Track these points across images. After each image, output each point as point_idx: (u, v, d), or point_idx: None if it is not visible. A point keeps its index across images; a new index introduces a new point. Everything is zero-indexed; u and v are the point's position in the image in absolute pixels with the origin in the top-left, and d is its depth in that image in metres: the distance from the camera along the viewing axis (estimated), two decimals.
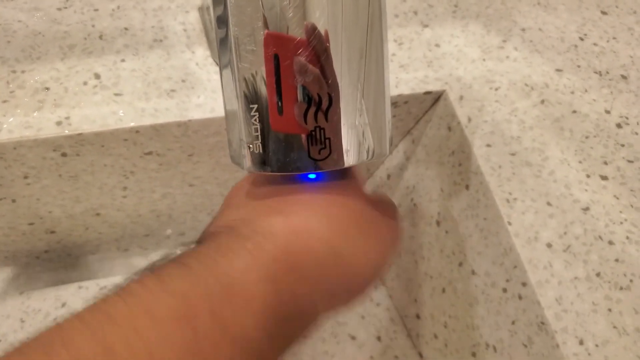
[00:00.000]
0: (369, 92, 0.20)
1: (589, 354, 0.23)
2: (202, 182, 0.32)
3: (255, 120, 0.19)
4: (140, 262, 0.39)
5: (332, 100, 0.19)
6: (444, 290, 0.30)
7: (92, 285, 0.34)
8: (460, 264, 0.29)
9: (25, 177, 0.28)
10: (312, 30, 0.18)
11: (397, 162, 0.34)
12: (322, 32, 0.18)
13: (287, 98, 0.19)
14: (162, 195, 0.33)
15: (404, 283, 0.34)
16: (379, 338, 0.33)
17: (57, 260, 0.37)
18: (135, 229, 0.36)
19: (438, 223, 0.30)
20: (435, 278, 0.31)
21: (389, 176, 0.35)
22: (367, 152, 0.20)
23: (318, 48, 0.18)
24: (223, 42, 0.19)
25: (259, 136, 0.19)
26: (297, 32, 0.18)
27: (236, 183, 0.22)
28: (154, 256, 0.39)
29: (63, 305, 0.33)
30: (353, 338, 0.33)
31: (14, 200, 0.30)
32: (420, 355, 0.33)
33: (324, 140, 0.19)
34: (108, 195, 0.31)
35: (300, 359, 0.32)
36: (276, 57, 0.18)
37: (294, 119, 0.19)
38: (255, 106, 0.19)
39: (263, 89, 0.19)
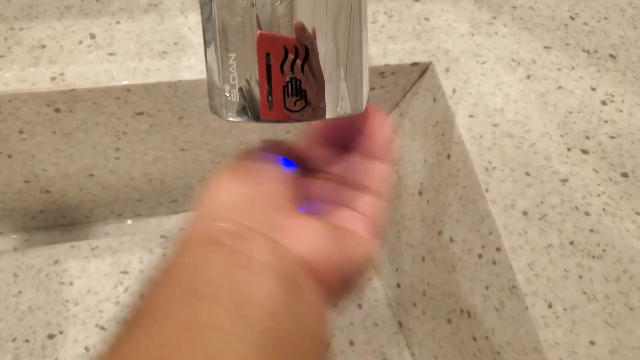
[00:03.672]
0: (346, 48, 0.20)
1: (557, 317, 0.24)
2: (193, 147, 0.33)
3: (233, 69, 0.20)
4: (133, 227, 0.40)
5: (309, 52, 0.20)
6: (423, 259, 0.31)
7: (84, 245, 0.35)
8: (440, 233, 0.29)
9: (21, 132, 0.29)
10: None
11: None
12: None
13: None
14: (154, 158, 0.34)
15: (386, 253, 0.34)
16: (360, 306, 0.34)
17: (52, 221, 0.38)
18: (128, 192, 0.37)
19: (420, 193, 0.31)
20: (416, 247, 0.31)
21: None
22: (343, 106, 0.21)
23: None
24: None
25: (236, 85, 0.20)
26: None
27: (211, 177, 0.20)
28: (147, 222, 0.40)
29: (55, 262, 0.34)
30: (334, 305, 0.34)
31: (10, 156, 0.31)
32: (400, 324, 0.33)
33: (300, 92, 0.20)
34: (101, 155, 0.32)
35: None
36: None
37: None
38: (234, 55, 0.20)
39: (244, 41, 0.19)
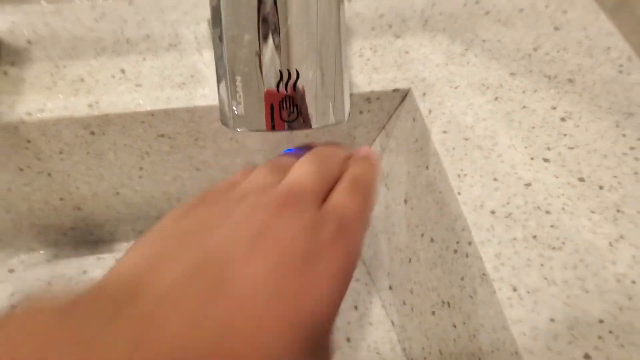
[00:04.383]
0: (330, 73, 0.25)
1: (521, 299, 0.27)
2: (207, 167, 0.38)
3: (240, 89, 0.25)
4: None
5: (299, 76, 0.25)
6: (410, 260, 0.34)
7: (110, 258, 0.40)
8: (422, 235, 0.33)
9: (61, 153, 0.34)
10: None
11: (378, 157, 0.39)
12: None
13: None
14: (173, 178, 0.38)
15: (379, 259, 0.38)
16: (355, 307, 0.37)
17: (80, 237, 0.43)
18: (149, 211, 0.41)
19: (405, 202, 0.35)
20: (403, 250, 0.35)
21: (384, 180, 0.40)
22: (329, 117, 0.25)
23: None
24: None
25: (242, 102, 0.25)
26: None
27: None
28: None
29: (84, 272, 0.39)
30: None
31: (49, 175, 0.36)
32: (392, 323, 0.37)
33: (293, 106, 0.25)
34: (127, 175, 0.37)
35: None
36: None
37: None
38: (239, 78, 0.24)
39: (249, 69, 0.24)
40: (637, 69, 0.37)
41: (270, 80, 0.24)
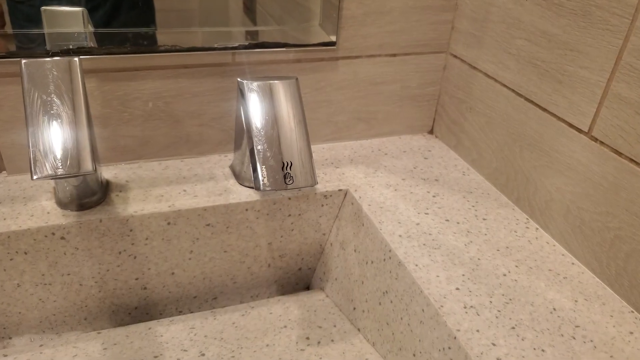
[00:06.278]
0: (306, 158, 0.52)
1: (420, 269, 0.50)
2: (231, 249, 0.61)
3: (264, 169, 0.51)
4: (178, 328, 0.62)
5: (293, 163, 0.51)
6: (362, 282, 0.56)
7: (159, 332, 0.58)
8: (366, 262, 0.56)
9: (147, 239, 0.57)
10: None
11: (336, 233, 0.63)
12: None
13: None
14: (209, 259, 0.60)
15: (339, 281, 0.59)
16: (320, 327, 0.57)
17: (139, 317, 0.61)
18: (189, 290, 0.62)
19: (354, 249, 0.59)
20: (355, 272, 0.57)
21: (341, 243, 0.64)
22: (307, 181, 0.51)
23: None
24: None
25: (266, 177, 0.51)
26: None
27: None
28: (191, 321, 0.63)
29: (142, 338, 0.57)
30: None
31: (135, 257, 0.57)
32: (358, 330, 0.56)
33: (291, 176, 0.51)
34: (182, 256, 0.59)
35: None
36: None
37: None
38: (263, 167, 0.51)
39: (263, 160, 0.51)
40: (472, 173, 0.66)
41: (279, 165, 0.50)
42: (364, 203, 0.59)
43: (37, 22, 0.53)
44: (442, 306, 0.45)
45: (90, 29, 0.55)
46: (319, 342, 0.54)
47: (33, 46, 0.54)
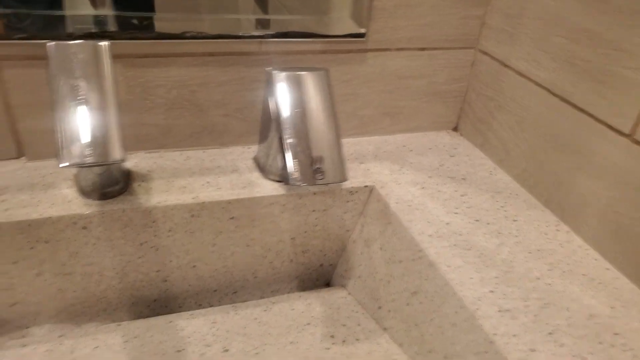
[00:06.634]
0: (336, 154, 0.51)
1: (453, 270, 0.48)
2: (254, 243, 0.59)
3: (297, 163, 0.49)
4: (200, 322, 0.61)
5: (323, 158, 0.50)
6: (389, 282, 0.55)
7: (181, 326, 0.57)
8: (392, 260, 0.55)
9: (169, 231, 0.55)
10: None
11: (360, 230, 0.62)
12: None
13: None
14: (232, 252, 0.59)
15: (367, 284, 0.58)
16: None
17: (159, 310, 0.60)
18: (210, 284, 0.61)
19: (381, 247, 0.57)
20: (381, 271, 0.56)
21: (365, 241, 0.63)
22: (338, 177, 0.50)
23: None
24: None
25: (299, 171, 0.49)
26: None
27: None
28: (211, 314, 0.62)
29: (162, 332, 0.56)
30: None
31: (157, 249, 0.56)
32: (385, 329, 0.55)
33: (322, 172, 0.49)
34: (204, 249, 0.58)
35: None
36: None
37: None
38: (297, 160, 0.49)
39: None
40: (500, 173, 0.65)
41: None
42: (391, 200, 0.58)
43: (58, 3, 0.51)
44: (477, 309, 0.44)
45: (112, 12, 0.53)
46: (343, 341, 0.53)
47: (53, 29, 0.52)
